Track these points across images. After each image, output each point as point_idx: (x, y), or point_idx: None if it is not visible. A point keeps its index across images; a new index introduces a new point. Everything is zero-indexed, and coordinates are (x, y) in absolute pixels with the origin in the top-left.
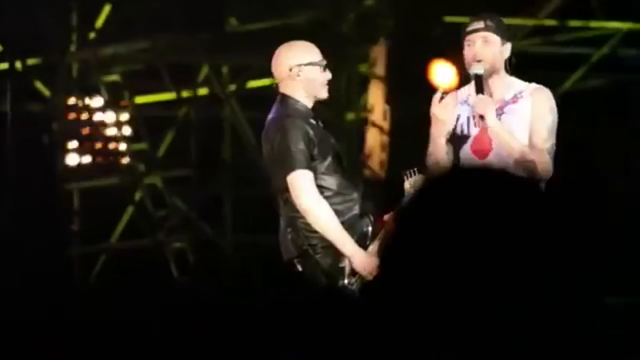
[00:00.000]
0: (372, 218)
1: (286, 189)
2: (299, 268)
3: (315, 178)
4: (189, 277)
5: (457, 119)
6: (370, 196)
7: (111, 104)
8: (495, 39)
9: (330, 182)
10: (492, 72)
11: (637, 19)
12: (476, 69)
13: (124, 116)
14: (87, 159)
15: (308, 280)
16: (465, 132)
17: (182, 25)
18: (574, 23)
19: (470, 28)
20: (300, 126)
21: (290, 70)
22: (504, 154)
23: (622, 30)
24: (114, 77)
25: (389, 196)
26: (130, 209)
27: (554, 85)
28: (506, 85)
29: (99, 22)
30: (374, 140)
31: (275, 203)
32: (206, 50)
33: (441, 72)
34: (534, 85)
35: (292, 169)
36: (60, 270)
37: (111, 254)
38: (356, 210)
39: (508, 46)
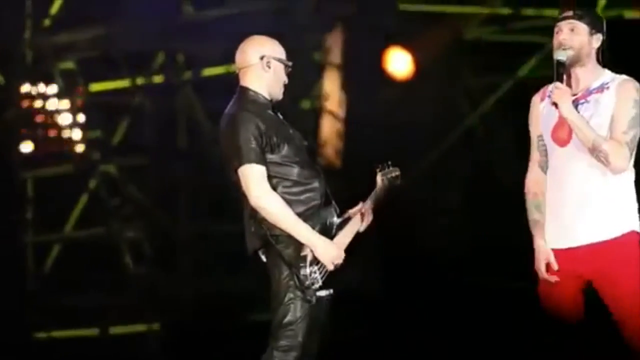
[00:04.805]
0: (337, 208)
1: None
2: (263, 259)
3: (272, 168)
4: (144, 266)
5: (544, 109)
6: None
7: (66, 92)
8: (582, 27)
9: (289, 171)
10: (577, 60)
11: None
12: (559, 56)
13: (79, 104)
14: (41, 147)
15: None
16: (548, 121)
17: (138, 13)
18: (528, 12)
19: (559, 17)
20: (252, 120)
21: (262, 58)
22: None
23: None
24: (69, 65)
25: (344, 184)
26: (84, 198)
27: (509, 73)
28: (594, 75)
29: (54, 8)
30: (329, 128)
31: (237, 193)
32: (162, 37)
33: (395, 60)
34: (622, 76)
35: (240, 163)
36: (14, 259)
37: (65, 243)
38: (318, 199)
39: (598, 37)
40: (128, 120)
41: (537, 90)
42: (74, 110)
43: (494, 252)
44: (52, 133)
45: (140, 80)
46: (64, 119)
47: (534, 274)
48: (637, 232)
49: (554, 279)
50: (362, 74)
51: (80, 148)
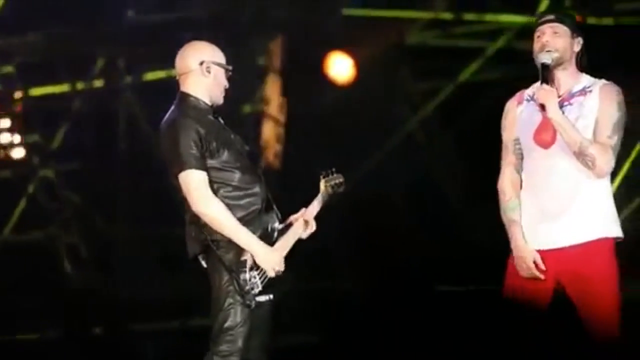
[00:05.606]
0: (279, 214)
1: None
2: (204, 264)
3: (213, 174)
4: (82, 270)
5: (522, 113)
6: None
7: (4, 96)
8: (564, 30)
9: (229, 176)
10: (560, 62)
11: (532, 13)
12: (543, 58)
13: (18, 108)
14: None
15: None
16: (529, 123)
17: (78, 17)
18: (469, 16)
19: (540, 20)
20: (192, 126)
21: (201, 64)
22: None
23: (517, 24)
24: (8, 69)
25: (285, 189)
26: (23, 202)
27: (449, 77)
28: (575, 79)
29: None
30: (269, 132)
31: (177, 198)
32: (102, 42)
33: (337, 65)
34: (602, 81)
35: (180, 169)
36: None
37: (3, 247)
38: (258, 204)
39: (579, 41)
40: (67, 125)
41: (477, 94)
42: (12, 115)
43: (434, 255)
44: None
45: (80, 85)
46: (2, 124)
47: (480, 276)
48: (611, 237)
49: (542, 277)
50: (304, 78)
51: (18, 153)
